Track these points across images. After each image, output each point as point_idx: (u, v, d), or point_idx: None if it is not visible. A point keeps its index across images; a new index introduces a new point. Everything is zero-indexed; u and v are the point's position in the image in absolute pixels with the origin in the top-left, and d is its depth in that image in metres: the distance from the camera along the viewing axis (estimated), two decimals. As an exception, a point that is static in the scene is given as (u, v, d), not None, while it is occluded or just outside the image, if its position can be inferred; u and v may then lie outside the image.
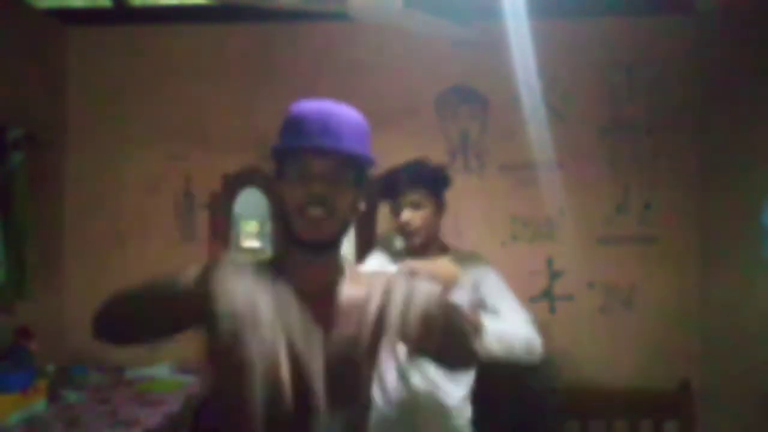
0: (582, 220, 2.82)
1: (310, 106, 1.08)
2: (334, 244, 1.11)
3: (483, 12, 2.64)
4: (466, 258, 1.86)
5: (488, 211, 2.84)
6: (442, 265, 1.48)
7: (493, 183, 2.88)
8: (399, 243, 1.90)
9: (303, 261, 1.10)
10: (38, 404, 2.21)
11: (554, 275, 2.84)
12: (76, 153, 2.98)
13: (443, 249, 1.83)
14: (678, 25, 2.83)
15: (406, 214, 1.72)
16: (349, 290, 1.13)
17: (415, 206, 1.72)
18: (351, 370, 1.09)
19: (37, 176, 2.66)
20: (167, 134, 2.95)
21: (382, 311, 1.11)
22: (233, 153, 2.89)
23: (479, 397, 1.84)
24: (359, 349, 1.09)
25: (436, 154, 2.86)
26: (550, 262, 2.85)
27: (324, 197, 1.04)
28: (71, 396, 2.37)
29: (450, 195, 1.84)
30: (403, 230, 1.74)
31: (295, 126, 1.06)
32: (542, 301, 2.84)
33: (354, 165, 1.08)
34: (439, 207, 1.79)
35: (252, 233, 3.10)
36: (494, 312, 1.70)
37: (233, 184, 2.90)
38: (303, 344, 1.05)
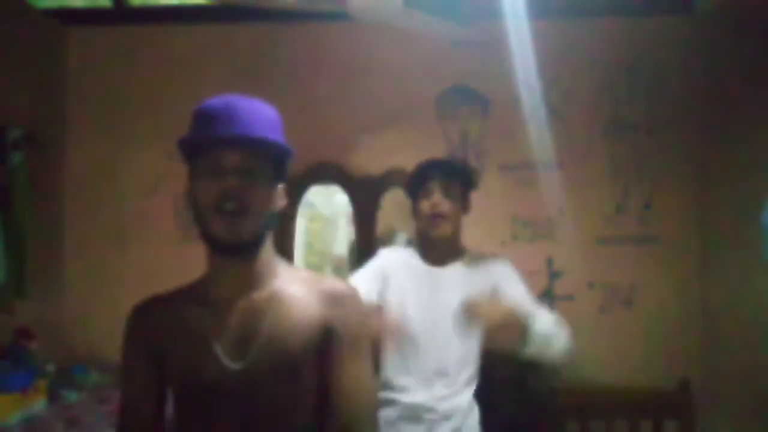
0: (582, 220, 2.82)
1: (217, 99, 1.03)
2: (255, 243, 1.02)
3: (483, 12, 2.64)
4: (485, 260, 1.82)
5: (488, 211, 2.84)
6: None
7: (493, 183, 2.88)
8: (402, 241, 1.90)
9: (223, 265, 1.03)
10: (38, 404, 2.21)
11: (554, 275, 2.84)
12: (76, 153, 2.98)
13: (461, 251, 1.80)
14: (678, 25, 2.83)
15: (437, 197, 1.69)
16: (282, 295, 1.04)
17: (446, 194, 1.70)
18: (284, 382, 1.01)
19: (37, 176, 2.66)
20: (167, 134, 2.90)
21: (327, 324, 1.04)
22: (233, 153, 2.88)
23: (480, 397, 1.84)
24: (292, 361, 1.01)
25: (436, 154, 2.83)
26: (550, 262, 2.85)
27: (238, 192, 0.96)
28: (71, 396, 2.36)
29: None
30: (432, 214, 1.70)
31: (201, 119, 1.01)
32: (542, 301, 2.83)
33: (270, 157, 1.01)
34: (465, 206, 1.78)
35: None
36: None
37: (233, 184, 2.90)
38: (230, 357, 1.00)
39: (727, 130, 2.59)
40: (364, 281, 1.70)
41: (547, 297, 2.84)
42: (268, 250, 1.06)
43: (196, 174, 1.01)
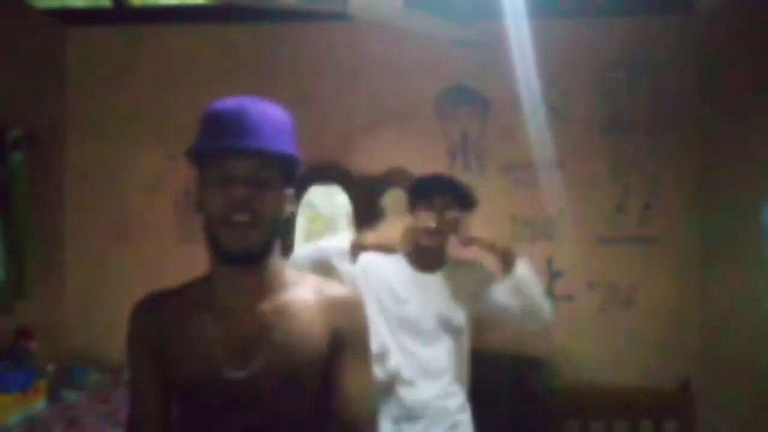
0: (582, 220, 2.82)
1: (226, 103, 1.00)
2: (263, 253, 1.00)
3: (483, 12, 2.64)
4: (465, 266, 1.88)
5: (488, 211, 2.81)
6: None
7: (493, 183, 2.87)
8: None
9: (230, 274, 1.01)
10: (38, 404, 2.21)
11: (554, 275, 2.84)
12: (76, 153, 2.98)
13: (445, 259, 1.88)
14: (678, 25, 2.83)
15: (441, 214, 1.76)
16: (290, 303, 1.04)
17: (448, 213, 1.77)
18: (290, 391, 1.01)
19: (37, 176, 2.66)
20: (167, 134, 2.94)
21: (334, 331, 1.04)
22: (233, 153, 2.88)
23: (479, 397, 1.84)
24: (300, 369, 1.01)
25: (436, 154, 2.88)
26: (549, 262, 2.85)
27: (248, 201, 0.94)
28: (71, 396, 2.37)
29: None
30: (434, 228, 1.75)
31: (210, 126, 0.98)
32: (542, 301, 2.84)
33: (280, 164, 0.99)
34: (457, 226, 1.84)
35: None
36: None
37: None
38: (234, 365, 0.99)
39: (726, 130, 2.59)
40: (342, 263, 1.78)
41: (547, 297, 2.83)
42: (275, 258, 1.05)
43: (204, 181, 0.99)
